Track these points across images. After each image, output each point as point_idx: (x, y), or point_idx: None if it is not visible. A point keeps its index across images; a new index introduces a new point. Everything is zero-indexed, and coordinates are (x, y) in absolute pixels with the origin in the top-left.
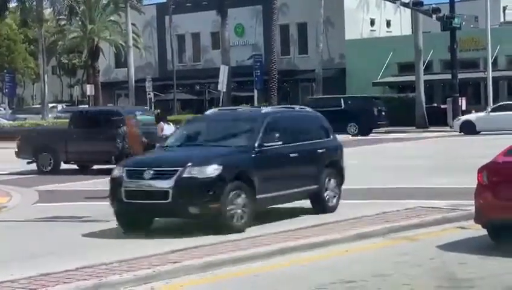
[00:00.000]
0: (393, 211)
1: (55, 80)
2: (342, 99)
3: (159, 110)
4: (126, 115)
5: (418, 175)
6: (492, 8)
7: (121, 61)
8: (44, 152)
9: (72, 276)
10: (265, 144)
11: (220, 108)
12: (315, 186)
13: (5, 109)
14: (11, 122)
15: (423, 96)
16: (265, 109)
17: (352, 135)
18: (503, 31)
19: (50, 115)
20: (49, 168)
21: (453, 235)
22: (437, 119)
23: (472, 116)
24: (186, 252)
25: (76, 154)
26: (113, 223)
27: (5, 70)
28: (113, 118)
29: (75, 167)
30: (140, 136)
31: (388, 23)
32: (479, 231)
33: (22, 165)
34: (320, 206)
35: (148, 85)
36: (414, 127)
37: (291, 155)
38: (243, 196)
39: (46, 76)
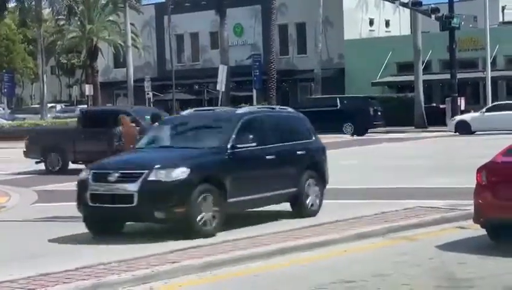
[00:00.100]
0: (392, 211)
1: (54, 80)
2: (337, 99)
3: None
4: (121, 115)
5: (417, 175)
6: (491, 8)
7: (119, 61)
8: (53, 152)
9: (71, 276)
10: (239, 146)
11: (196, 109)
12: (294, 189)
13: (4, 109)
14: (10, 122)
15: (422, 96)
16: (241, 110)
17: (351, 135)
18: (502, 31)
19: (49, 115)
20: (57, 168)
21: (452, 235)
22: (436, 119)
23: (467, 117)
24: (185, 252)
25: (85, 154)
26: None
27: (4, 70)
28: None
29: (83, 167)
30: (136, 136)
31: (387, 23)
32: (478, 230)
33: (21, 165)
34: (300, 209)
35: (147, 85)
36: (413, 127)
37: (267, 157)
38: (213, 199)
39: (45, 76)
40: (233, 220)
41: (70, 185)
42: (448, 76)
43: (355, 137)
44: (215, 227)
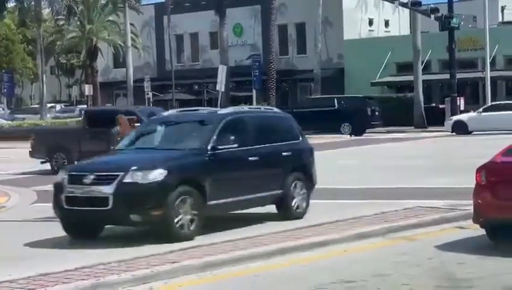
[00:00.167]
0: (392, 211)
1: (53, 80)
2: (335, 100)
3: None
4: (119, 115)
5: (416, 175)
6: (490, 8)
7: (119, 61)
8: (58, 152)
9: (71, 276)
10: (220, 147)
11: (180, 109)
12: (279, 192)
13: (3, 109)
14: (9, 122)
15: (421, 96)
16: (223, 110)
17: (350, 135)
18: (501, 31)
19: (48, 115)
20: None
21: (452, 235)
22: (435, 119)
23: (464, 117)
24: (185, 252)
25: (90, 153)
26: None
27: (4, 71)
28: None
29: None
30: None
31: (386, 23)
32: (478, 231)
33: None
34: (286, 212)
35: (147, 85)
36: (412, 127)
37: (250, 158)
38: (192, 202)
39: (44, 76)
40: (220, 222)
41: None
42: (447, 76)
43: (353, 137)
44: (194, 230)
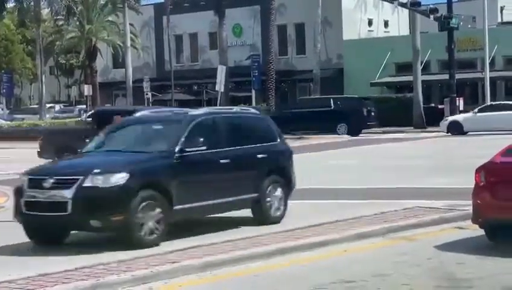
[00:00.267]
0: (392, 211)
1: (52, 80)
2: (331, 100)
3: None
4: (116, 116)
5: (416, 175)
6: (489, 8)
7: (118, 62)
8: (67, 152)
9: (71, 276)
10: (188, 149)
11: (153, 110)
12: (254, 195)
13: (2, 109)
14: (8, 122)
15: (421, 97)
16: (195, 111)
17: (348, 135)
18: (500, 31)
19: (48, 115)
20: None
21: (451, 236)
22: (435, 119)
23: (459, 117)
24: (185, 252)
25: None
26: None
27: (3, 71)
28: None
29: None
30: None
31: (386, 24)
32: (477, 231)
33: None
34: (262, 216)
35: (146, 85)
36: (412, 127)
37: (221, 161)
38: (157, 206)
39: (43, 76)
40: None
41: None
42: (447, 76)
43: (352, 137)
44: (159, 236)
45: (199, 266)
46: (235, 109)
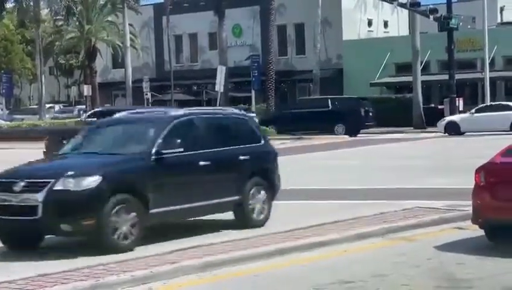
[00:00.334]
0: (391, 211)
1: (52, 81)
2: (329, 100)
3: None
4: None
5: (416, 175)
6: (489, 8)
7: (118, 62)
8: None
9: (70, 276)
10: (165, 151)
11: (132, 111)
12: (235, 198)
13: (2, 109)
14: (8, 122)
15: (420, 97)
16: (174, 112)
17: (348, 135)
18: (500, 31)
19: (47, 116)
20: None
21: (451, 236)
22: (434, 119)
23: (456, 117)
24: (185, 252)
25: None
26: None
27: (2, 71)
28: None
29: None
30: None
31: (385, 24)
32: (477, 231)
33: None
34: (244, 219)
35: (146, 86)
36: (411, 128)
37: (201, 163)
38: (131, 210)
39: (43, 76)
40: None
41: None
42: (446, 77)
43: (352, 138)
44: (133, 241)
45: (199, 266)
46: (214, 109)
